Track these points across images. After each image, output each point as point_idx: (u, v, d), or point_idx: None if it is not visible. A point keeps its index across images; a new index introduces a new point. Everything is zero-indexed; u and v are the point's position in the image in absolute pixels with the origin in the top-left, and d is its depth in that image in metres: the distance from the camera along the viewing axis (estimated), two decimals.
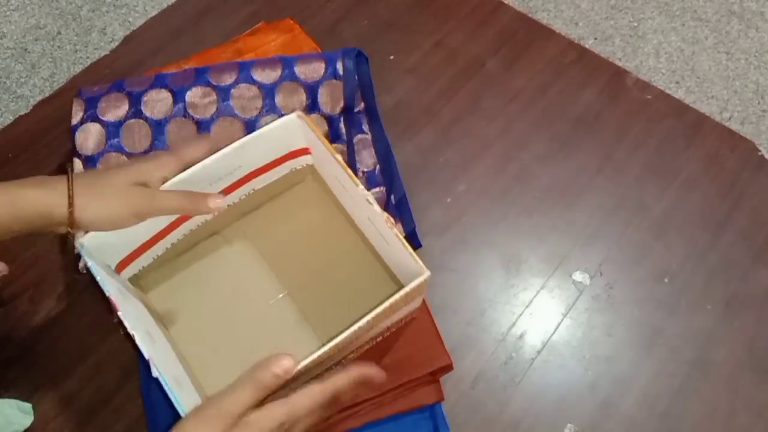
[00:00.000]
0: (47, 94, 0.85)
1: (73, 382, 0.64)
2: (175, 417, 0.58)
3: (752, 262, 0.70)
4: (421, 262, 0.52)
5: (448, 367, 0.61)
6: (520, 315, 0.68)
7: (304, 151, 0.66)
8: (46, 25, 1.75)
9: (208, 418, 0.43)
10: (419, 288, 0.52)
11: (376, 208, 0.56)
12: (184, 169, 0.57)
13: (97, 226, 0.54)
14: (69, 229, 0.53)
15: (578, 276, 0.70)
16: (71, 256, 0.70)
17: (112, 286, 0.54)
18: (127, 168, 0.55)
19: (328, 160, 0.60)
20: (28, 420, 0.62)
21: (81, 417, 0.63)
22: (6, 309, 0.68)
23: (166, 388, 0.49)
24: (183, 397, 0.49)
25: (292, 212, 0.68)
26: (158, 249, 0.63)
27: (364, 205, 0.57)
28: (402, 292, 0.50)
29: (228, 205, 0.65)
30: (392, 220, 0.59)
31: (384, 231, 0.57)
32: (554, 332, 0.67)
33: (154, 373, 0.49)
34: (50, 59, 1.68)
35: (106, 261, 0.58)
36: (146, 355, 0.50)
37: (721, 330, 0.66)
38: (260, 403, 0.45)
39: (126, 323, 0.52)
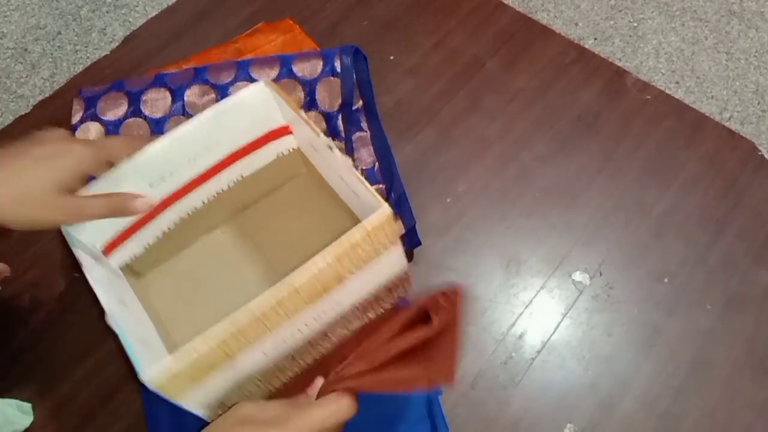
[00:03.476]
0: (47, 94, 0.85)
1: (73, 382, 0.64)
2: (175, 417, 0.58)
3: (752, 262, 0.70)
4: (380, 198, 0.49)
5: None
6: (520, 315, 0.68)
7: (286, 131, 0.64)
8: (46, 25, 1.75)
9: None
10: (382, 227, 0.48)
11: (337, 153, 0.54)
12: (104, 167, 0.53)
13: (13, 213, 0.48)
14: None
15: (578, 276, 0.70)
16: (71, 258, 0.70)
17: (84, 253, 0.53)
18: (43, 167, 0.49)
19: (301, 128, 0.58)
20: (27, 420, 0.62)
21: (81, 417, 0.63)
22: (6, 309, 0.68)
23: (120, 335, 0.47)
24: (143, 350, 0.48)
25: (288, 208, 0.68)
26: (148, 236, 0.62)
27: (330, 157, 0.55)
28: (359, 226, 0.47)
29: (217, 193, 0.64)
30: (352, 161, 0.57)
31: (348, 178, 0.54)
32: (554, 332, 0.67)
33: (108, 321, 0.48)
34: (50, 59, 1.68)
35: (90, 240, 0.57)
36: (104, 306, 0.48)
37: (721, 330, 0.66)
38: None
39: (88, 277, 0.50)
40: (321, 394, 0.52)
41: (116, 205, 0.54)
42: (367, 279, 0.53)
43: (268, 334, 0.49)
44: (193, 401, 0.49)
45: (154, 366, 0.44)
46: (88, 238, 0.56)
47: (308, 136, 0.58)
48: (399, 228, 0.69)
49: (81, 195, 0.52)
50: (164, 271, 0.65)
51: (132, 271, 0.64)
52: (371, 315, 0.58)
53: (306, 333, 0.53)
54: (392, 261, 0.54)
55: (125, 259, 0.62)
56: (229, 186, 0.65)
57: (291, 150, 0.67)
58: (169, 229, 0.63)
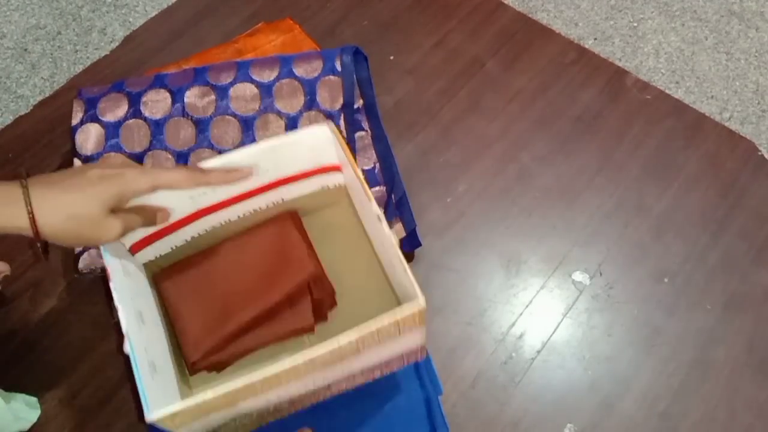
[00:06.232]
0: (47, 94, 0.85)
1: (74, 382, 0.64)
2: None
3: (752, 262, 0.70)
4: (418, 288, 0.48)
5: (318, 278, 0.61)
6: (520, 315, 0.68)
7: (336, 169, 0.64)
8: (46, 25, 1.75)
9: None
10: (413, 317, 0.49)
11: (385, 227, 0.53)
12: (153, 191, 0.53)
13: (64, 231, 0.49)
14: (37, 242, 0.49)
15: (578, 276, 0.70)
16: (71, 258, 0.70)
17: (113, 259, 0.53)
18: (93, 188, 0.50)
19: (351, 174, 0.58)
20: (35, 414, 0.62)
21: (81, 416, 0.63)
22: (7, 309, 0.68)
23: (133, 366, 0.48)
24: (151, 383, 0.49)
25: (321, 232, 0.67)
26: (177, 239, 0.62)
27: (378, 226, 0.55)
28: (391, 314, 0.48)
29: (254, 210, 0.64)
30: (397, 240, 0.57)
31: (390, 255, 0.55)
32: (554, 332, 0.67)
33: (126, 349, 0.49)
34: (50, 59, 1.68)
35: (121, 239, 0.57)
36: (123, 329, 0.49)
37: (721, 330, 0.66)
38: None
39: (114, 294, 0.51)
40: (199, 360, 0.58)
41: (147, 220, 0.56)
42: (384, 351, 0.53)
43: (275, 389, 0.50)
44: (190, 429, 0.50)
45: (161, 410, 0.46)
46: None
47: (359, 192, 0.58)
48: (399, 230, 0.69)
49: (121, 212, 0.53)
50: (187, 273, 0.65)
51: (153, 267, 0.64)
52: (377, 374, 0.58)
53: (311, 388, 0.53)
54: (413, 339, 0.54)
55: (150, 258, 0.62)
56: (267, 206, 0.64)
57: (337, 185, 0.66)
58: (199, 234, 0.63)
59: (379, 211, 0.54)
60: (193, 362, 0.58)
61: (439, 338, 0.66)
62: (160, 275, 0.63)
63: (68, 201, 0.49)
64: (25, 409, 0.61)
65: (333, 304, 0.63)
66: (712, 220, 0.72)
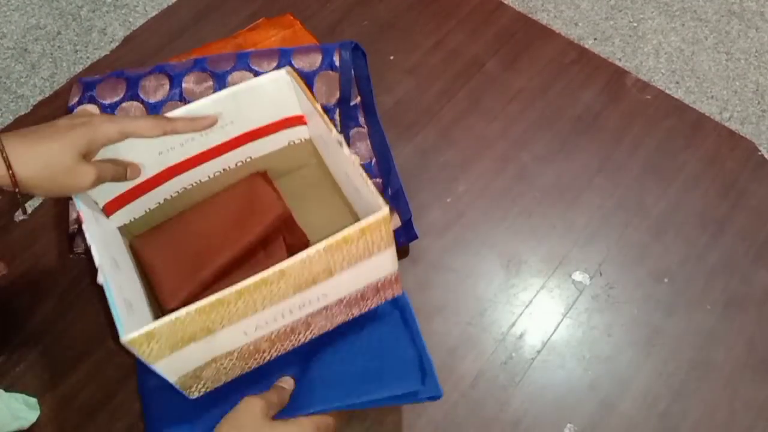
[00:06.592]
0: (47, 94, 0.85)
1: (73, 382, 0.64)
2: (173, 417, 0.58)
3: (752, 262, 0.70)
4: (382, 199, 0.49)
5: (288, 221, 0.62)
6: (520, 315, 0.68)
7: (300, 120, 0.65)
8: (46, 25, 1.75)
9: None
10: (378, 225, 0.49)
11: (345, 150, 0.54)
12: (123, 138, 0.55)
13: (41, 179, 0.51)
14: (16, 190, 0.51)
15: (578, 276, 0.70)
16: (71, 258, 0.70)
17: (86, 208, 0.54)
18: (64, 136, 0.52)
19: (315, 120, 0.59)
20: (34, 415, 0.62)
21: (81, 416, 0.63)
22: (6, 309, 0.68)
23: (107, 295, 0.48)
24: (126, 315, 0.48)
25: (293, 193, 0.67)
26: (149, 201, 0.63)
27: (339, 153, 0.55)
28: (357, 226, 0.48)
29: (224, 169, 0.65)
30: (358, 161, 0.58)
31: (353, 175, 0.55)
32: (554, 332, 0.67)
33: (100, 279, 0.49)
34: (50, 59, 1.68)
35: (93, 197, 0.59)
36: (97, 263, 0.50)
37: (721, 330, 0.66)
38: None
39: (87, 234, 0.52)
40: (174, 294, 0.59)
41: (118, 172, 0.57)
42: (357, 275, 0.53)
43: (251, 314, 0.49)
44: (167, 367, 0.49)
45: (136, 331, 0.45)
46: (91, 195, 0.58)
47: (321, 129, 0.58)
48: (395, 221, 0.69)
49: (94, 161, 0.55)
50: (161, 232, 0.66)
51: (129, 232, 0.65)
52: (355, 312, 0.58)
53: (288, 319, 0.53)
54: (384, 262, 0.54)
55: (124, 221, 0.63)
56: (236, 165, 0.66)
57: (303, 140, 0.68)
58: (171, 197, 0.64)
59: (339, 137, 0.55)
60: (171, 309, 0.58)
61: (439, 338, 0.66)
62: (135, 240, 0.64)
63: (41, 150, 0.51)
64: (24, 409, 0.61)
65: (305, 248, 0.63)
66: (712, 220, 0.72)
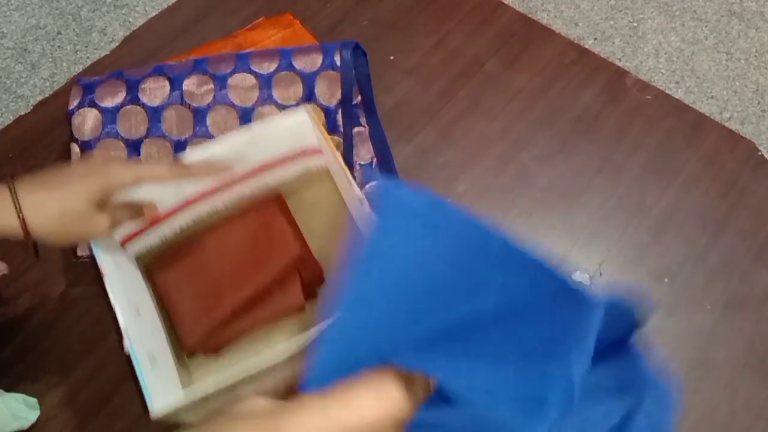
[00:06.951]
0: (47, 94, 0.85)
1: (74, 382, 0.64)
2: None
3: (752, 262, 0.70)
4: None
5: (305, 258, 0.63)
6: None
7: (317, 152, 0.66)
8: (46, 25, 1.75)
9: None
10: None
11: (366, 209, 0.55)
12: (137, 185, 0.54)
13: (54, 228, 0.50)
14: (27, 238, 0.49)
15: (578, 276, 0.70)
16: (70, 258, 0.70)
17: (104, 254, 0.55)
18: (78, 186, 0.51)
19: (331, 159, 0.60)
20: (34, 415, 0.62)
21: (81, 416, 0.63)
22: (7, 309, 0.68)
23: (135, 365, 0.49)
24: (152, 376, 0.50)
25: (307, 210, 0.68)
26: (166, 230, 0.63)
27: (358, 207, 0.56)
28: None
29: (240, 197, 0.65)
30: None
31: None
32: None
33: (126, 349, 0.50)
34: (50, 59, 1.68)
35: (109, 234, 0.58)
36: (122, 327, 0.51)
37: (721, 330, 0.66)
38: None
39: (110, 293, 0.52)
40: (198, 341, 0.59)
41: (134, 215, 0.57)
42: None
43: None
44: (197, 414, 0.51)
45: (164, 405, 0.48)
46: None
47: (341, 180, 0.59)
48: None
49: (110, 206, 0.54)
50: (178, 261, 0.66)
51: (145, 260, 0.64)
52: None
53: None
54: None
55: (141, 250, 0.63)
56: (252, 192, 0.66)
57: (318, 167, 0.68)
58: (187, 225, 0.64)
59: (361, 195, 0.55)
60: (191, 346, 0.60)
61: None
62: (152, 266, 0.64)
63: (55, 198, 0.50)
64: (24, 409, 0.61)
65: (322, 282, 0.64)
66: (712, 220, 0.72)
